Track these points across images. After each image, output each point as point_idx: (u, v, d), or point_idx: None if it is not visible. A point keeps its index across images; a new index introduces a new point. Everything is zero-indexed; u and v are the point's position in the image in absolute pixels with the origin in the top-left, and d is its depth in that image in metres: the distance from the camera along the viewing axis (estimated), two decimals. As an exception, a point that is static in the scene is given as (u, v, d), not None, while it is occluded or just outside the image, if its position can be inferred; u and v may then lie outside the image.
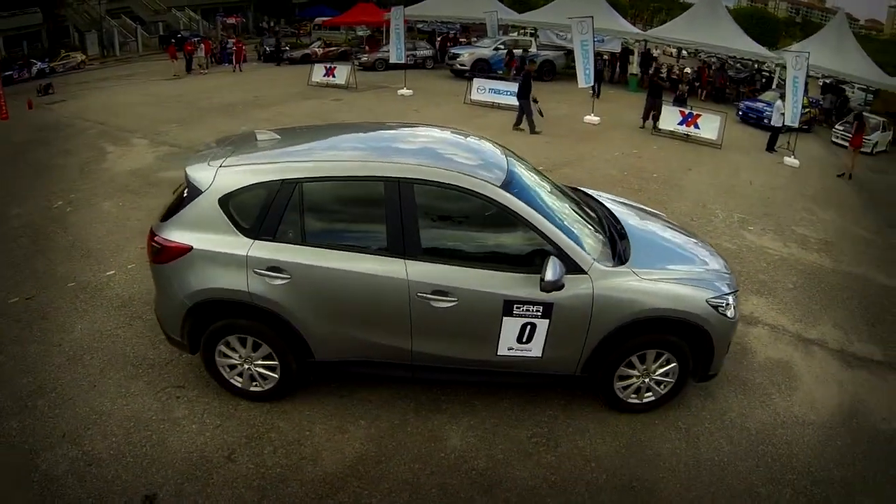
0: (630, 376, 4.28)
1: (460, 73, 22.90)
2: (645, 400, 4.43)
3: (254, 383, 4.18)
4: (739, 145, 15.77)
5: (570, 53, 22.43)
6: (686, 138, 15.38)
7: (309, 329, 3.86)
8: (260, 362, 4.07)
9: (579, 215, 4.47)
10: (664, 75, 24.45)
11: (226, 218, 3.76)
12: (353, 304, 3.83)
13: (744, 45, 24.15)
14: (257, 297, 3.76)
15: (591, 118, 16.37)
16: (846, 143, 16.54)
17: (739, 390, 4.78)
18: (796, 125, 15.06)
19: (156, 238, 3.90)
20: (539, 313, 3.87)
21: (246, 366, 4.10)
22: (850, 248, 9.02)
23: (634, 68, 26.22)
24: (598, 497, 3.70)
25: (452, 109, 16.88)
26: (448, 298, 3.75)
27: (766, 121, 17.66)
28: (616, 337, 4.02)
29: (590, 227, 4.39)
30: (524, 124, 14.29)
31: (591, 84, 16.58)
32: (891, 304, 7.06)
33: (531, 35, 28.27)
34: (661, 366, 4.26)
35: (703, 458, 4.09)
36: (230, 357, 4.08)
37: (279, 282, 3.73)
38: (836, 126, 19.90)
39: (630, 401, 4.41)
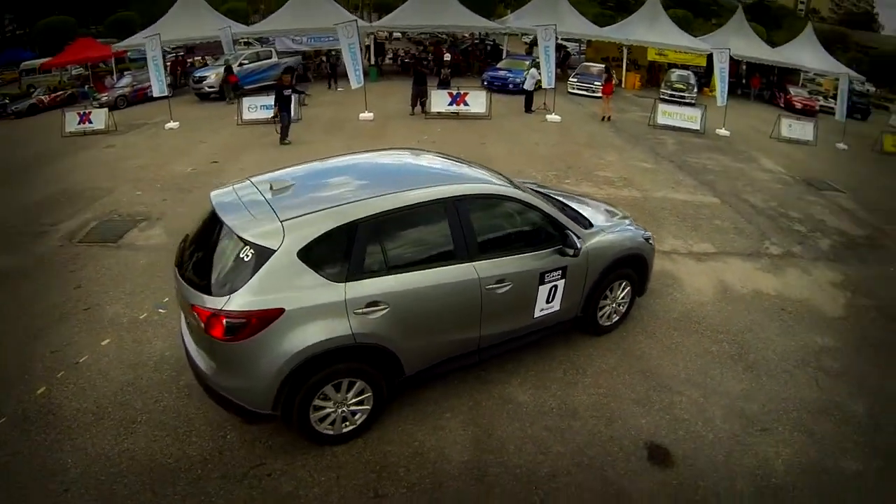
0: (605, 305, 5.97)
1: (206, 95, 22.52)
2: (614, 320, 6.17)
3: (345, 424, 4.38)
4: (502, 113, 18.63)
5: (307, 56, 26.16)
6: (457, 116, 17.60)
7: (403, 349, 4.30)
8: (353, 400, 4.31)
9: (550, 200, 5.82)
10: (428, 62, 27.15)
11: (311, 269, 3.91)
12: (440, 311, 4.52)
13: (473, 21, 28.31)
14: (361, 336, 4.04)
15: (366, 115, 16.96)
16: (585, 93, 21.19)
17: (649, 296, 6.79)
18: (552, 86, 18.72)
19: (227, 314, 3.72)
20: (559, 276, 5.20)
21: (339, 410, 4.27)
22: (640, 177, 12.30)
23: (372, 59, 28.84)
24: (623, 377, 5.46)
25: (232, 134, 16.13)
26: (505, 283, 4.78)
27: (510, 86, 21.40)
28: (601, 279, 5.62)
29: (559, 206, 5.79)
30: (288, 137, 14.45)
31: (362, 83, 17.25)
32: (694, 212, 10.18)
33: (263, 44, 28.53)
34: (622, 290, 6.05)
35: (658, 328, 6.24)
36: (324, 408, 4.19)
37: (379, 314, 4.10)
38: (570, 79, 24.99)
39: (605, 324, 6.08)
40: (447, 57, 21.78)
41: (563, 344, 5.86)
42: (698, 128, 18.08)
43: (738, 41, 27.12)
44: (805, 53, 28.75)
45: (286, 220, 3.95)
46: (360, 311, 4.04)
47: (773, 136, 18.86)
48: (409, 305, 4.25)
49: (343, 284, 4.00)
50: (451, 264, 4.47)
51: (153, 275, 7.18)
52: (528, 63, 23.79)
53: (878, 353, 6.27)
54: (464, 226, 4.55)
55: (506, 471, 4.33)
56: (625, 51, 28.13)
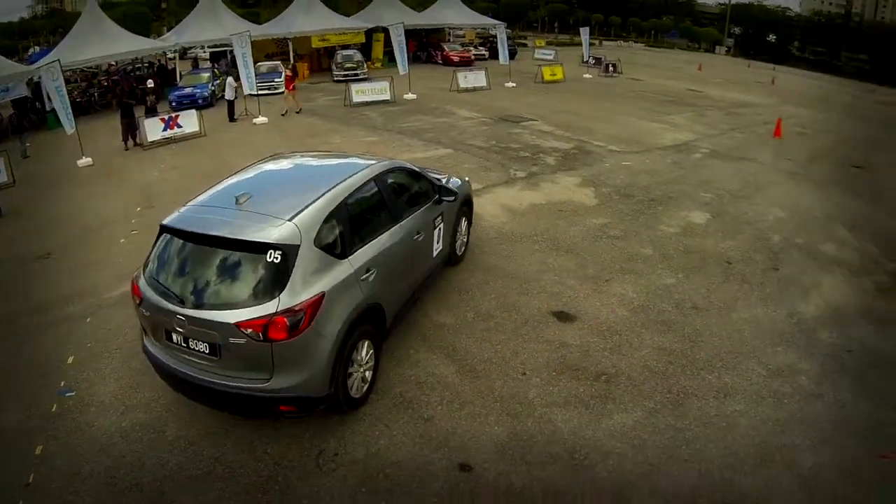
0: (458, 239, 7.49)
1: None
2: (463, 250, 7.76)
3: (363, 384, 4.93)
4: (212, 127, 17.58)
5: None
6: (173, 140, 16.34)
7: (386, 303, 5.18)
8: (367, 361, 4.92)
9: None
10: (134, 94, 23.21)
11: (325, 253, 4.52)
12: (398, 265, 5.48)
13: (140, 45, 25.44)
14: (368, 299, 4.79)
15: (84, 160, 14.93)
16: (269, 91, 21.59)
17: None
18: (255, 91, 18.89)
19: (285, 312, 4.06)
20: (441, 220, 6.61)
21: (359, 372, 4.83)
22: (375, 149, 14.12)
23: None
24: (498, 283, 7.14)
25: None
26: (420, 234, 6.02)
27: (199, 101, 20.59)
28: (457, 220, 7.21)
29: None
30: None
31: (72, 129, 15.05)
32: (440, 164, 12.46)
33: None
34: (465, 224, 7.73)
35: (490, 246, 8.03)
36: (352, 374, 4.72)
37: (372, 277, 4.89)
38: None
39: (460, 252, 7.63)
40: (150, 83, 19.66)
41: (442, 279, 7.18)
42: (389, 97, 20.70)
43: (391, 13, 31.10)
44: (450, 12, 34.61)
45: (291, 217, 4.41)
46: (363, 277, 4.80)
47: (453, 90, 22.89)
48: (385, 264, 5.17)
49: (347, 260, 4.71)
50: (393, 225, 5.50)
51: None
52: (206, 75, 23.15)
53: (633, 217, 9.49)
54: (389, 194, 5.67)
55: (479, 360, 5.73)
56: (290, 43, 29.10)
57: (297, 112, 19.16)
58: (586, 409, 5.10)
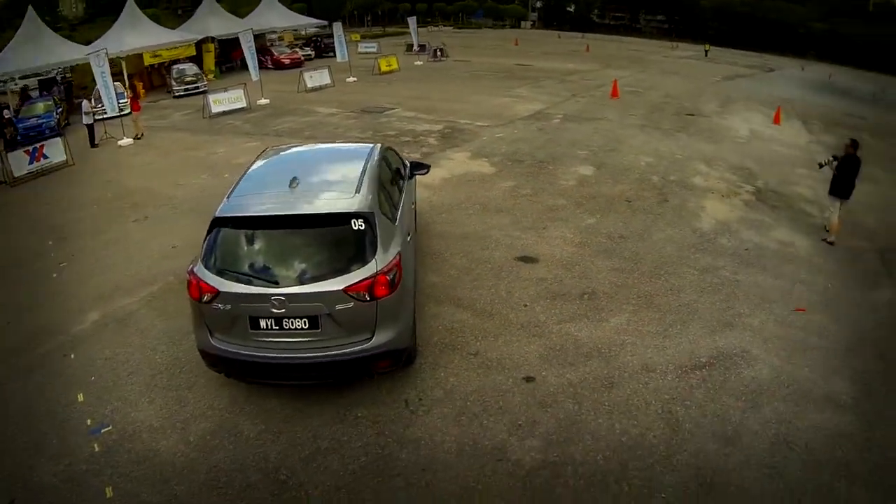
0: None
1: None
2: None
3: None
4: (80, 154, 15.49)
5: None
6: (41, 173, 14.31)
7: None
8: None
9: None
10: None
11: (387, 220, 5.05)
12: (410, 227, 6.02)
13: None
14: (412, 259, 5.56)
15: None
16: (112, 114, 19.22)
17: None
18: (117, 112, 17.14)
19: (385, 270, 4.53)
20: (413, 190, 7.38)
21: None
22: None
23: None
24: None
25: None
26: (413, 202, 6.76)
27: (46, 131, 18.05)
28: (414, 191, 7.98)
29: None
30: None
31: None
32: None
33: None
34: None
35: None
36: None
37: (410, 238, 5.69)
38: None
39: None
40: (7, 114, 16.68)
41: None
42: (245, 105, 20.17)
43: (217, 22, 29.86)
44: (272, 15, 33.99)
45: (355, 191, 4.91)
46: (408, 239, 5.47)
47: (301, 91, 22.85)
48: (408, 224, 5.83)
49: (396, 224, 5.30)
50: (402, 195, 6.23)
51: None
52: (46, 104, 20.00)
53: (533, 178, 10.93)
54: (392, 170, 6.32)
55: (485, 303, 6.53)
56: (123, 63, 26.31)
57: (139, 137, 17.27)
58: (588, 320, 6.27)
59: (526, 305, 6.54)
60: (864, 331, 6.34)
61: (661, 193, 10.25)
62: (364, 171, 5.39)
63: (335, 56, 26.59)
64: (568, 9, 77.64)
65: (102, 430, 4.89)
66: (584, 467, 4.33)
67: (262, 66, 31.58)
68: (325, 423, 4.80)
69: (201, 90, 23.36)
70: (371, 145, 6.38)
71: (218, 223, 4.68)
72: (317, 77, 23.78)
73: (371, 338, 4.56)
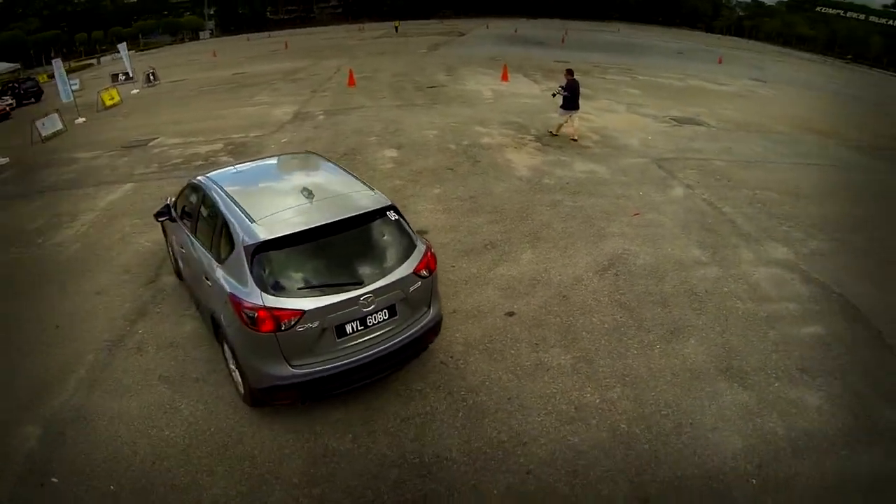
0: None
1: None
2: None
3: None
4: None
5: None
6: None
7: None
8: None
9: None
10: None
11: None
12: None
13: None
14: None
15: None
16: None
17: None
18: None
19: (430, 250, 5.14)
20: None
21: None
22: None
23: None
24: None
25: None
26: None
27: None
28: None
29: None
30: None
31: None
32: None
33: None
34: None
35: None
36: None
37: None
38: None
39: None
40: None
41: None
42: None
43: None
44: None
45: (370, 189, 5.40)
46: None
47: (36, 142, 18.10)
48: None
49: None
50: None
51: None
52: None
53: (348, 159, 11.66)
54: None
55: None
56: None
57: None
58: (507, 262, 7.68)
59: (454, 266, 7.61)
60: (683, 216, 9.06)
61: (469, 157, 12.10)
62: (348, 171, 5.90)
63: (36, 101, 22.53)
64: (241, 11, 77.36)
65: None
66: (603, 361, 5.76)
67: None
68: (397, 406, 5.09)
69: None
70: (306, 153, 6.94)
71: (262, 248, 4.57)
72: (49, 123, 19.82)
73: (428, 311, 5.15)
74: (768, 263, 7.70)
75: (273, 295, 4.47)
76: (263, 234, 4.62)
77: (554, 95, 13.56)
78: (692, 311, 6.51)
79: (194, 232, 5.69)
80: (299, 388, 4.62)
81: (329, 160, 6.50)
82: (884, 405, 5.19)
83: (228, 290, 4.66)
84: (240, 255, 4.62)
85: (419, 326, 5.05)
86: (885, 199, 10.99)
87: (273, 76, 27.15)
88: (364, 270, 4.79)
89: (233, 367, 5.09)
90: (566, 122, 13.38)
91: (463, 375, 5.41)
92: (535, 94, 19.57)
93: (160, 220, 6.70)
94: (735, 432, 4.80)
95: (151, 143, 15.51)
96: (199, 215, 5.65)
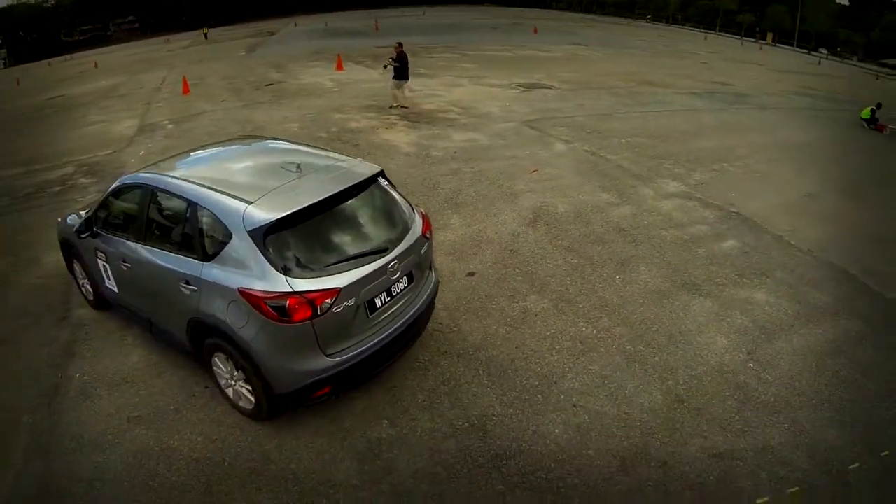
0: None
1: None
2: None
3: None
4: None
5: None
6: None
7: None
8: None
9: None
10: None
11: None
12: None
13: None
14: None
15: None
16: None
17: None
18: None
19: (425, 215, 5.01)
20: None
21: None
22: None
23: None
24: None
25: None
26: None
27: None
28: None
29: None
30: None
31: None
32: None
33: None
34: None
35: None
36: None
37: None
38: None
39: None
40: None
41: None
42: None
43: None
44: None
45: (355, 157, 5.07)
46: None
47: None
48: None
49: None
50: None
51: None
52: None
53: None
54: None
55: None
56: None
57: None
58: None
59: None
60: (576, 167, 9.76)
61: (346, 142, 11.78)
62: (310, 145, 5.58)
63: None
64: (30, 38, 70.37)
65: None
66: (578, 298, 6.11)
67: None
68: (415, 380, 4.90)
69: None
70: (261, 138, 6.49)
71: (274, 229, 4.03)
72: None
73: (432, 274, 5.06)
74: (668, 196, 8.67)
75: (299, 278, 3.98)
76: (271, 213, 4.05)
77: (385, 67, 14.89)
78: (628, 243, 7.13)
79: (142, 239, 4.87)
80: (335, 380, 4.18)
81: (281, 138, 6.13)
82: (811, 290, 6.23)
83: (235, 287, 4.03)
84: (243, 242, 4.05)
85: (429, 290, 4.92)
86: (736, 132, 12.83)
87: (93, 95, 24.18)
88: (383, 237, 4.50)
89: (231, 381, 4.47)
90: (400, 91, 14.50)
91: (463, 337, 5.38)
92: (375, 79, 19.61)
93: (82, 237, 5.47)
94: (716, 332, 5.44)
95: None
96: (148, 218, 4.86)
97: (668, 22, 69.71)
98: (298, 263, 4.07)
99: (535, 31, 39.97)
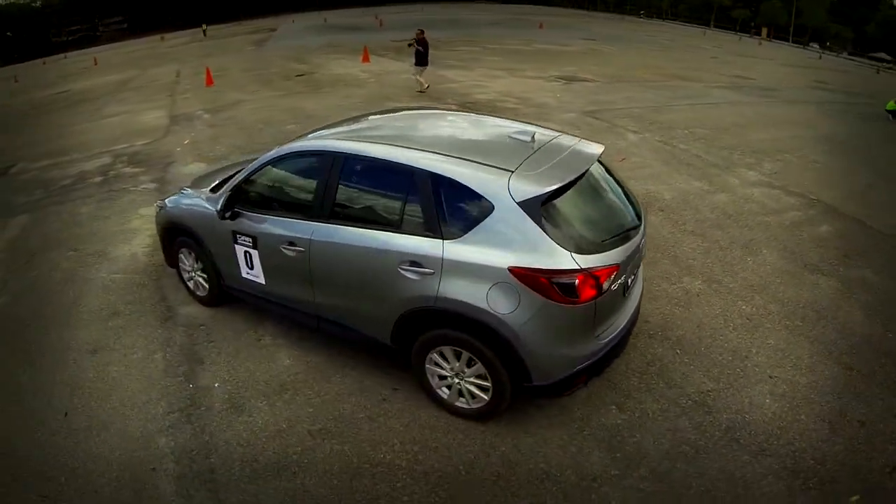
0: None
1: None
2: None
3: None
4: None
5: None
6: None
7: None
8: None
9: None
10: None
11: None
12: None
13: None
14: None
15: None
16: None
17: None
18: None
19: None
20: None
21: None
22: None
23: None
24: None
25: None
26: None
27: None
28: None
29: None
30: None
31: None
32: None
33: None
34: None
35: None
36: None
37: None
38: None
39: None
40: None
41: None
42: None
43: None
44: None
45: (576, 137, 4.71)
46: None
47: None
48: None
49: None
50: None
51: None
52: None
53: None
54: None
55: None
56: None
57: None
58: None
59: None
60: (657, 156, 10.19)
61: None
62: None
63: None
64: (21, 36, 70.67)
65: None
66: (726, 279, 6.52)
67: None
68: (620, 365, 4.77)
69: None
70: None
71: (550, 199, 3.74)
72: None
73: None
74: (753, 185, 9.12)
75: (581, 254, 3.65)
76: (541, 184, 3.72)
77: (409, 45, 16.39)
78: (742, 228, 7.56)
79: (326, 218, 4.34)
80: (594, 366, 3.95)
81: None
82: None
83: (504, 266, 3.64)
84: (511, 216, 3.67)
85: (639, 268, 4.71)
86: (780, 126, 13.34)
87: (104, 89, 24.21)
88: (631, 213, 4.34)
89: (454, 378, 4.17)
90: (420, 76, 15.97)
91: (644, 318, 5.55)
92: (407, 69, 19.64)
93: (226, 214, 4.85)
94: (850, 307, 5.90)
95: (13, 170, 13.04)
96: (338, 192, 4.33)
97: (663, 17, 70.67)
98: (578, 239, 3.77)
99: (542, 27, 40.36)
